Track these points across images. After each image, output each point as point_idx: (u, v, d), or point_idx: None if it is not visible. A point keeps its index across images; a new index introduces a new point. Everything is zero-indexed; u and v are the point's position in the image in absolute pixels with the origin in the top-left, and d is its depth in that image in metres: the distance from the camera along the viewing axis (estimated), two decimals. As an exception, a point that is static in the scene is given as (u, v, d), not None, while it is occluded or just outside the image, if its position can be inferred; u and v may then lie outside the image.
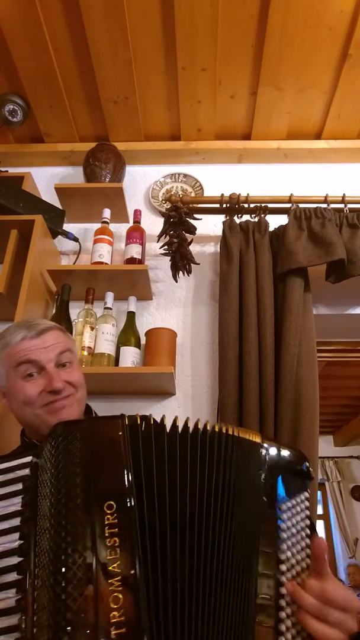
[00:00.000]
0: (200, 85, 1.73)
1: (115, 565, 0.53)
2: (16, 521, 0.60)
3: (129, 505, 0.57)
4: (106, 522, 0.55)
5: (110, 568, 0.52)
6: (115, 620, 0.50)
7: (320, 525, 5.19)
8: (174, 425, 0.65)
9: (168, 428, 0.65)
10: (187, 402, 1.53)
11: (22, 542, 0.59)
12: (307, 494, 0.70)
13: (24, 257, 1.48)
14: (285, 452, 0.73)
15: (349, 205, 1.55)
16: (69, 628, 0.49)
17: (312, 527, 0.69)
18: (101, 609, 0.50)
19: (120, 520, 0.55)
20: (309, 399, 1.31)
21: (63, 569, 0.52)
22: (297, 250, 1.44)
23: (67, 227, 1.76)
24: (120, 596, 0.51)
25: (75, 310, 1.54)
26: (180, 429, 0.65)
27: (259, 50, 1.61)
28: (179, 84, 1.72)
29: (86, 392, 0.91)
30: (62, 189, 1.75)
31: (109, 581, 0.52)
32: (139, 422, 0.64)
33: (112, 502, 0.56)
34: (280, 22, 1.51)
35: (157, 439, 0.63)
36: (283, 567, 0.61)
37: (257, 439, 0.72)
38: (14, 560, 0.58)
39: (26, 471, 0.64)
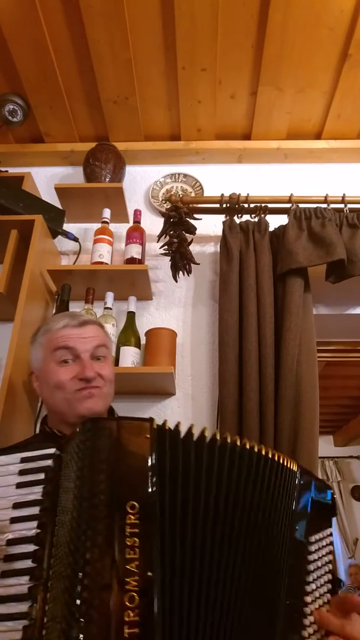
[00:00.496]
0: (200, 85, 1.73)
1: (133, 565, 0.53)
2: (35, 510, 0.61)
3: (151, 507, 0.57)
4: (127, 522, 0.55)
5: (128, 566, 0.52)
6: (129, 619, 0.50)
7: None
8: (202, 435, 0.64)
9: (195, 436, 0.63)
10: (187, 402, 1.53)
11: (39, 531, 0.59)
12: (331, 530, 0.70)
13: (24, 257, 1.48)
14: (317, 484, 0.72)
15: (349, 205, 1.55)
16: (82, 620, 0.49)
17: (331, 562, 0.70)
18: (115, 606, 0.50)
19: (141, 521, 0.55)
20: (309, 399, 1.31)
21: (81, 562, 0.53)
22: (297, 250, 1.44)
23: (67, 227, 1.76)
24: (136, 596, 0.51)
25: (75, 310, 1.54)
26: (208, 440, 0.64)
27: (259, 50, 1.61)
28: (179, 84, 1.72)
29: (114, 391, 0.95)
30: (62, 189, 1.75)
31: (126, 579, 0.52)
32: (166, 427, 0.63)
33: (135, 503, 0.56)
34: (280, 22, 1.51)
35: (185, 447, 0.62)
36: (308, 599, 0.62)
37: (295, 467, 0.70)
38: (30, 547, 0.58)
39: (48, 462, 0.65)
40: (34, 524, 0.60)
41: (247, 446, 0.65)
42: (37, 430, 0.98)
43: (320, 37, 1.56)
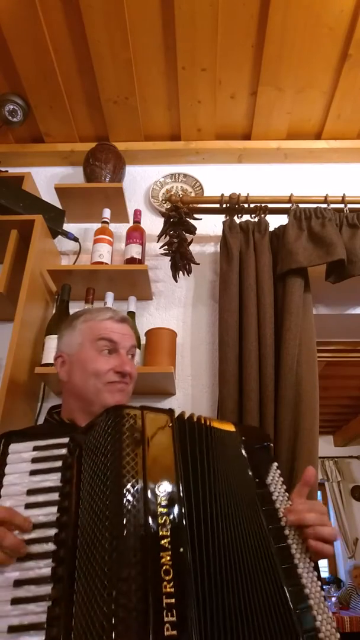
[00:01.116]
0: (200, 85, 1.73)
1: (166, 542, 0.56)
2: (53, 496, 0.63)
3: (177, 492, 0.61)
4: (159, 504, 0.59)
5: (162, 550, 0.55)
6: (167, 616, 0.51)
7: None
8: (206, 424, 0.76)
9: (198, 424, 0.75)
10: (187, 402, 1.53)
11: (59, 515, 0.62)
12: (276, 463, 0.79)
13: (24, 257, 1.48)
14: (252, 433, 0.84)
15: (349, 205, 1.55)
16: (119, 609, 0.50)
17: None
18: (155, 596, 0.52)
19: (169, 506, 0.59)
20: (309, 399, 1.31)
21: (113, 546, 0.54)
22: (297, 250, 1.44)
23: (67, 227, 1.76)
24: (172, 571, 0.54)
25: (75, 310, 1.54)
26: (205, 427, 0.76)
27: (259, 50, 1.61)
28: (179, 84, 1.72)
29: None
30: (62, 189, 1.75)
31: (162, 561, 0.54)
32: (185, 416, 0.73)
33: (165, 488, 0.61)
34: (280, 22, 1.51)
35: (200, 433, 0.72)
36: (280, 514, 0.71)
37: (233, 428, 0.81)
38: (50, 532, 0.61)
39: (62, 451, 0.68)
40: (54, 509, 0.62)
41: (210, 424, 0.77)
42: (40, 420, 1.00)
43: (320, 37, 1.56)
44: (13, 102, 1.78)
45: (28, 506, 0.63)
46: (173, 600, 0.51)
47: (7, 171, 1.80)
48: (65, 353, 0.95)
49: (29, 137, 1.96)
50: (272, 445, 0.83)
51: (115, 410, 0.68)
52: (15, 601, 0.55)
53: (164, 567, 0.53)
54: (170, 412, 0.71)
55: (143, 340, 1.53)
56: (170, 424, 0.69)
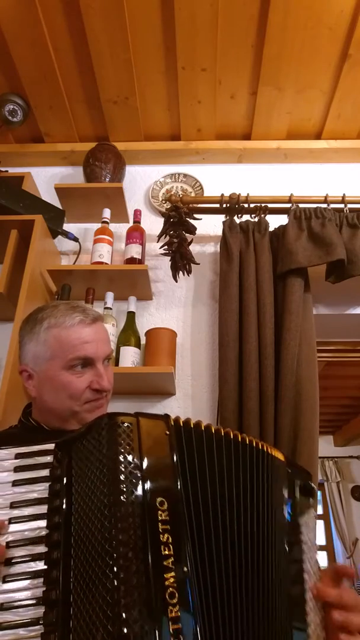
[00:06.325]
0: (200, 85, 1.73)
1: (169, 562, 0.53)
2: (40, 509, 0.58)
3: (178, 502, 0.58)
4: (160, 519, 0.55)
5: (165, 563, 0.53)
6: (172, 615, 0.50)
7: (320, 525, 5.19)
8: (208, 428, 0.67)
9: (205, 432, 0.66)
10: (187, 402, 1.53)
11: (49, 531, 0.57)
12: (314, 512, 0.73)
13: (24, 257, 1.48)
14: (300, 471, 0.76)
15: (349, 205, 1.55)
16: (126, 620, 0.48)
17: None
18: (158, 602, 0.50)
19: (171, 517, 0.56)
20: (309, 399, 1.31)
21: (117, 562, 0.51)
22: (297, 250, 1.44)
23: (67, 227, 1.76)
24: (176, 592, 0.52)
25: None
26: (222, 434, 0.67)
27: (259, 50, 1.61)
28: (179, 84, 1.72)
29: None
30: (62, 189, 1.75)
31: (165, 575, 0.52)
32: (181, 423, 0.66)
33: (164, 499, 0.57)
34: (280, 22, 1.51)
35: (198, 441, 0.65)
36: (305, 577, 0.65)
37: (282, 457, 0.73)
38: (39, 549, 0.56)
39: (48, 458, 0.62)
40: (42, 523, 0.57)
41: (247, 441, 0.69)
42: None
43: (320, 37, 1.56)
44: (13, 102, 1.78)
45: (13, 520, 0.58)
46: (179, 626, 0.50)
47: (7, 171, 1.80)
48: (30, 368, 0.83)
49: (29, 137, 1.96)
50: (317, 491, 0.78)
51: (109, 419, 0.63)
52: (5, 626, 0.51)
53: (169, 590, 0.51)
54: (165, 417, 0.66)
55: (143, 340, 1.53)
56: (167, 432, 0.64)
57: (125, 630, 0.47)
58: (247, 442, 0.68)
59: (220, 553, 0.58)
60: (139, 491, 0.56)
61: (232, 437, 0.67)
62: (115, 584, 0.50)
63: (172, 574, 0.52)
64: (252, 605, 0.58)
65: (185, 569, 0.53)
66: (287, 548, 0.65)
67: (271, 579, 0.62)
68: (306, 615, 0.62)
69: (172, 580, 0.52)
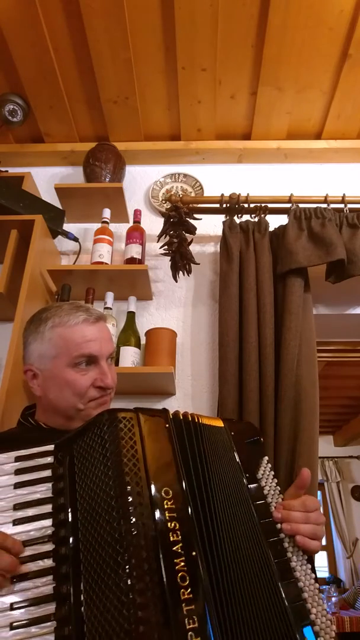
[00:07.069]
0: (200, 85, 1.73)
1: (178, 547, 0.55)
2: (45, 508, 0.59)
3: (181, 489, 0.61)
4: (166, 507, 0.58)
5: (174, 548, 0.55)
6: (185, 597, 0.52)
7: (320, 525, 5.18)
8: (200, 422, 0.74)
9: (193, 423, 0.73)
10: (187, 402, 1.53)
11: (55, 529, 0.58)
12: (266, 457, 0.77)
13: (24, 257, 1.48)
14: (241, 428, 0.82)
15: (349, 205, 1.55)
16: (140, 611, 0.50)
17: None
18: (171, 585, 0.52)
19: (176, 505, 0.59)
20: (309, 399, 1.31)
21: (127, 554, 0.53)
22: (297, 250, 1.44)
23: (67, 227, 1.76)
24: (187, 576, 0.53)
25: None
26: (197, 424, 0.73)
27: (259, 50, 1.61)
28: (179, 84, 1.72)
29: None
30: (62, 189, 1.75)
31: (175, 560, 0.54)
32: (180, 416, 0.71)
33: (169, 489, 0.60)
34: (280, 22, 1.51)
35: (196, 431, 0.71)
36: (272, 509, 0.70)
37: (221, 424, 0.79)
38: (46, 547, 0.57)
39: (48, 459, 0.63)
40: (47, 522, 0.58)
41: (202, 421, 0.75)
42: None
43: (320, 37, 1.56)
44: (13, 102, 1.78)
45: (17, 522, 0.58)
46: (193, 607, 0.51)
47: (7, 171, 1.80)
48: (35, 367, 0.84)
49: (29, 137, 1.96)
50: (261, 439, 0.81)
51: (109, 415, 0.64)
52: (16, 626, 0.51)
53: (180, 574, 0.53)
54: (164, 412, 0.69)
55: (143, 340, 1.53)
56: (167, 425, 0.67)
57: (139, 614, 0.49)
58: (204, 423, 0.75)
59: (222, 527, 0.63)
60: (144, 483, 0.58)
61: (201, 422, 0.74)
62: (127, 574, 0.52)
63: (182, 558, 0.54)
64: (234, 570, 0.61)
65: (193, 552, 0.55)
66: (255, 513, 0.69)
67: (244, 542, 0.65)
68: (286, 553, 0.65)
69: (182, 564, 0.54)
